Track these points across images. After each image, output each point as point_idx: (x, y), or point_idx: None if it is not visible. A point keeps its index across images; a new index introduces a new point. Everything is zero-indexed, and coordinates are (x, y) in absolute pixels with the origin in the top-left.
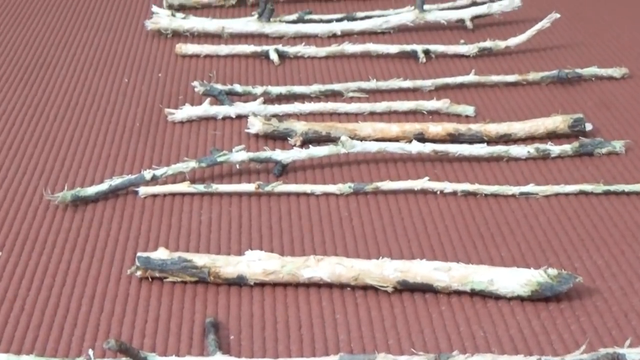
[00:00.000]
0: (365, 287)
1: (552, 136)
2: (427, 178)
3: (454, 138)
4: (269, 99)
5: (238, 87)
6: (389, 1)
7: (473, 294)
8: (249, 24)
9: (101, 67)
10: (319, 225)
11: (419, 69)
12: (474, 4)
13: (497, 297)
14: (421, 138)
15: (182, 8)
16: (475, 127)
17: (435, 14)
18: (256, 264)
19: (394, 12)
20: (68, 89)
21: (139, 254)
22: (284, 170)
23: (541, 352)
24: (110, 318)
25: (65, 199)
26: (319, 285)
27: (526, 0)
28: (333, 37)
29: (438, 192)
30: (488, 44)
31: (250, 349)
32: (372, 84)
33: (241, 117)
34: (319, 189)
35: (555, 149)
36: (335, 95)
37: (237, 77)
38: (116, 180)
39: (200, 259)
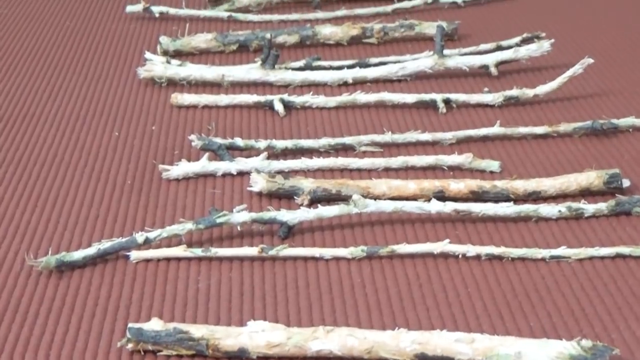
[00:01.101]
0: None
1: (586, 194)
2: (447, 240)
3: (477, 196)
4: (274, 154)
5: (239, 141)
6: (405, 46)
7: None
8: (251, 71)
9: (89, 119)
10: (328, 292)
11: (438, 120)
12: (499, 48)
13: None
14: (441, 196)
15: (178, 54)
16: (501, 184)
17: (457, 60)
18: (259, 335)
19: (410, 57)
20: (52, 143)
21: (130, 324)
22: (290, 233)
23: None
24: None
25: (49, 265)
26: (328, 359)
27: (556, 45)
28: (344, 86)
29: (460, 256)
30: (514, 92)
31: None
32: (387, 137)
33: (243, 174)
34: (328, 252)
35: (589, 207)
36: (346, 150)
37: (239, 130)
38: (105, 244)
39: (197, 330)
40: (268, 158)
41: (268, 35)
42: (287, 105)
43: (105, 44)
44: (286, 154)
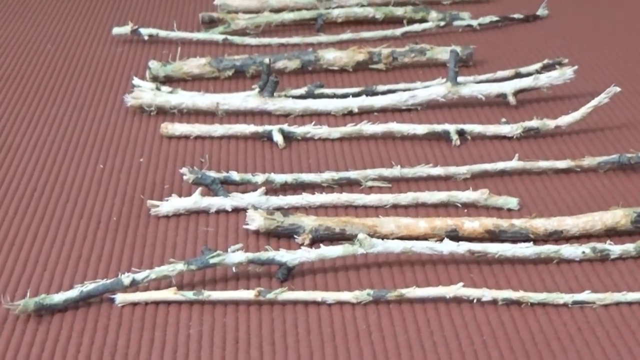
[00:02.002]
0: None
1: (612, 233)
2: (461, 284)
3: (493, 236)
4: (272, 189)
5: (235, 175)
6: (416, 72)
7: None
8: (248, 99)
9: (71, 150)
10: (331, 340)
11: (451, 153)
12: (518, 75)
13: None
14: (454, 236)
15: (168, 80)
16: (520, 223)
17: (471, 88)
18: None
19: (421, 85)
20: (32, 176)
21: None
22: (289, 275)
23: None
24: None
25: (27, 308)
26: None
27: (580, 72)
28: (349, 115)
29: (475, 301)
30: (534, 123)
31: None
32: (396, 171)
33: (239, 211)
34: (331, 296)
35: (615, 249)
36: (351, 185)
37: (234, 163)
38: (88, 286)
39: None
40: (266, 193)
41: (267, 60)
42: (287, 136)
43: (90, 69)
44: (286, 189)
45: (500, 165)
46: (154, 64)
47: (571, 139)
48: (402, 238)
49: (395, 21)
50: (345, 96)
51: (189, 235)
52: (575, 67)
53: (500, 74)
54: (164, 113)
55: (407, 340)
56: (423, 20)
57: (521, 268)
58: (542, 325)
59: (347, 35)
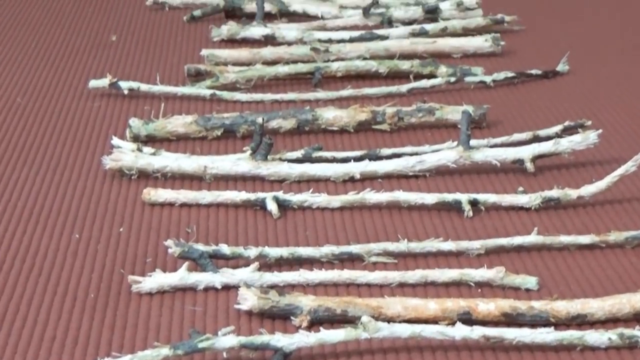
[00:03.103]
0: None
1: None
2: None
3: (510, 319)
4: (266, 264)
5: (225, 248)
6: (424, 134)
7: None
8: (239, 163)
9: (43, 218)
10: None
11: (463, 225)
12: (536, 139)
13: None
14: (468, 319)
15: (150, 140)
16: (539, 305)
17: (485, 153)
18: None
19: (430, 149)
20: (0, 247)
21: None
22: None
23: None
24: None
25: None
26: None
27: (605, 135)
28: (350, 182)
29: None
30: (555, 193)
31: None
32: (402, 246)
33: (229, 289)
34: None
35: None
36: (353, 261)
37: (224, 235)
38: None
39: None
40: (259, 269)
41: (259, 119)
42: (282, 205)
43: (64, 127)
44: (281, 264)
45: (518, 239)
46: (134, 122)
47: (595, 211)
48: (409, 321)
49: (401, 76)
50: (346, 160)
51: (175, 316)
52: (600, 130)
53: (517, 137)
54: (146, 177)
55: None
56: (431, 75)
57: (541, 355)
58: None
59: (347, 92)
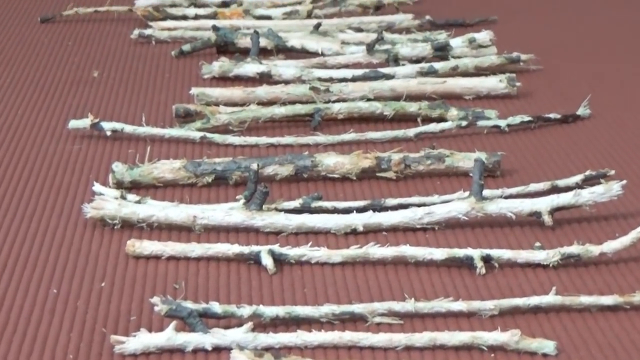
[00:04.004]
0: None
1: None
2: None
3: None
4: (261, 324)
5: (216, 306)
6: (433, 183)
7: None
8: (231, 212)
9: (18, 271)
10: None
11: (475, 284)
12: (554, 189)
13: None
14: None
15: (135, 187)
16: None
17: (499, 204)
18: None
19: (439, 199)
20: None
21: None
22: None
23: None
24: None
25: None
26: None
27: (629, 186)
28: (352, 235)
29: None
30: (575, 249)
31: None
32: (409, 306)
33: (220, 350)
34: None
35: None
36: (355, 321)
37: (215, 291)
38: None
39: None
40: (253, 330)
41: (254, 165)
42: (279, 260)
43: (41, 171)
44: (277, 324)
45: (534, 300)
46: (118, 167)
47: (619, 270)
48: None
49: (408, 119)
50: (347, 211)
51: None
52: (624, 181)
53: (534, 187)
54: (131, 227)
55: None
56: (441, 119)
57: None
58: None
59: (350, 136)
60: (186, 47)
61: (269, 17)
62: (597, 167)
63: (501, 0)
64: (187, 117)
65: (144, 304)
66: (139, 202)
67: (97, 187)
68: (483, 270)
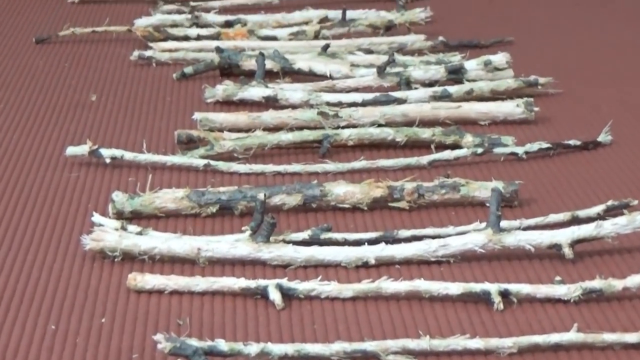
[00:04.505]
0: None
1: None
2: None
3: None
4: None
5: (222, 344)
6: (448, 214)
7: None
8: (237, 245)
9: (15, 306)
10: None
11: (493, 320)
12: (575, 220)
13: None
14: None
15: (136, 217)
16: None
17: (517, 236)
18: None
19: (454, 231)
20: None
21: None
22: None
23: None
24: None
25: None
26: None
27: None
28: (364, 268)
29: None
30: (597, 283)
31: None
32: (424, 343)
33: None
34: None
35: None
36: (367, 359)
37: (220, 328)
38: None
39: None
40: None
41: (261, 195)
42: (287, 294)
43: (37, 201)
44: None
45: (555, 337)
46: (118, 196)
47: None
48: None
49: (421, 146)
50: (359, 243)
51: None
52: None
53: (553, 218)
54: (132, 260)
55: None
56: (456, 145)
57: None
58: None
59: (360, 164)
60: (188, 70)
61: (274, 38)
62: (619, 196)
63: (518, 20)
64: (190, 144)
65: (146, 341)
66: (140, 233)
67: (96, 217)
68: (501, 306)
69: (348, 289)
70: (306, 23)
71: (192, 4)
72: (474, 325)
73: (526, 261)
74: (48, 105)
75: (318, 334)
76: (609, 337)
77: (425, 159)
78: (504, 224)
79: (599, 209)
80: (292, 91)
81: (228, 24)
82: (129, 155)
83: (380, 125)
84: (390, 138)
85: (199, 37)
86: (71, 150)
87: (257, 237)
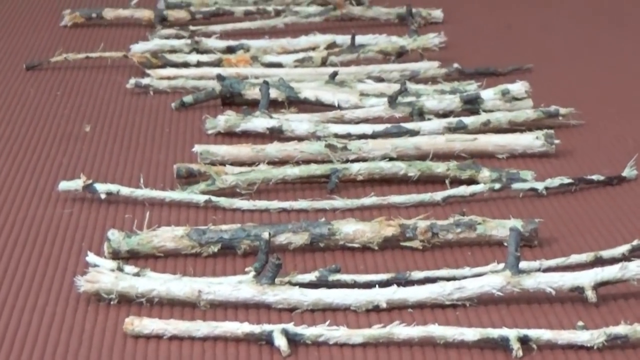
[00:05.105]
0: None
1: None
2: None
3: None
4: None
5: None
6: (463, 254)
7: None
8: (240, 287)
9: (3, 355)
10: None
11: None
12: (598, 261)
13: None
14: None
15: (133, 257)
16: None
17: (537, 278)
18: None
19: (471, 272)
20: None
21: None
22: None
23: None
24: None
25: None
26: None
27: None
28: (374, 312)
29: None
30: (621, 329)
31: None
32: None
33: None
34: None
35: None
36: None
37: None
38: None
39: None
40: None
41: (265, 234)
42: (293, 340)
43: (28, 239)
44: None
45: None
46: (114, 235)
47: None
48: None
49: (435, 181)
50: (369, 285)
51: None
52: None
53: (575, 258)
54: (129, 303)
55: None
56: (472, 181)
57: None
58: None
59: (370, 200)
60: (188, 99)
61: (279, 65)
62: None
63: (537, 46)
64: (190, 178)
65: None
66: (137, 274)
67: (91, 257)
68: (520, 353)
69: (358, 335)
70: (313, 49)
71: (191, 28)
72: None
73: (547, 305)
74: (39, 136)
75: None
76: None
77: (439, 195)
78: (523, 265)
79: (623, 249)
80: (298, 122)
81: (230, 50)
82: (125, 191)
83: (391, 159)
84: (402, 172)
85: (199, 64)
86: (64, 185)
87: (261, 279)
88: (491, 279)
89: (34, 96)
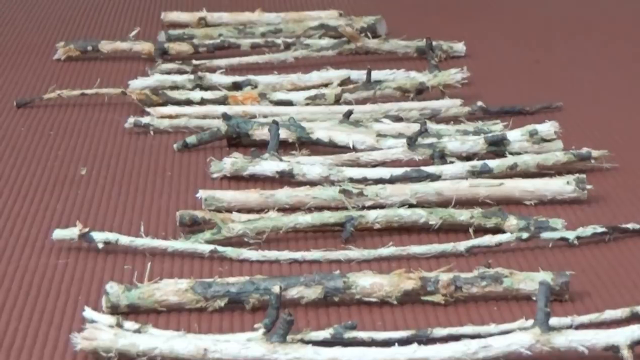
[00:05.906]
0: None
1: None
2: None
3: None
4: None
5: None
6: (488, 309)
7: None
8: (249, 345)
9: None
10: None
11: None
12: (635, 318)
13: None
14: None
15: (133, 312)
16: None
17: (569, 336)
18: None
19: (497, 329)
20: None
21: None
22: None
23: None
24: None
25: None
26: None
27: None
28: None
29: None
30: None
31: None
32: None
33: None
34: None
35: None
36: None
37: None
38: None
39: None
40: None
41: (275, 287)
42: None
43: (20, 293)
44: None
45: None
46: (112, 288)
47: None
48: None
49: (458, 230)
50: (387, 343)
51: None
52: None
53: (610, 314)
54: None
55: None
56: (498, 229)
57: None
58: None
59: (388, 250)
60: (191, 139)
61: (289, 103)
62: None
63: (567, 83)
64: (193, 227)
65: None
66: (138, 331)
67: (88, 312)
68: None
69: None
70: (325, 85)
71: (194, 62)
72: None
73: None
74: (31, 180)
75: None
76: None
77: (462, 245)
78: (553, 321)
79: None
80: (310, 165)
81: (236, 86)
82: (124, 240)
83: (411, 206)
84: (423, 220)
85: (203, 101)
86: (58, 233)
87: (271, 336)
88: (519, 337)
89: (25, 136)
